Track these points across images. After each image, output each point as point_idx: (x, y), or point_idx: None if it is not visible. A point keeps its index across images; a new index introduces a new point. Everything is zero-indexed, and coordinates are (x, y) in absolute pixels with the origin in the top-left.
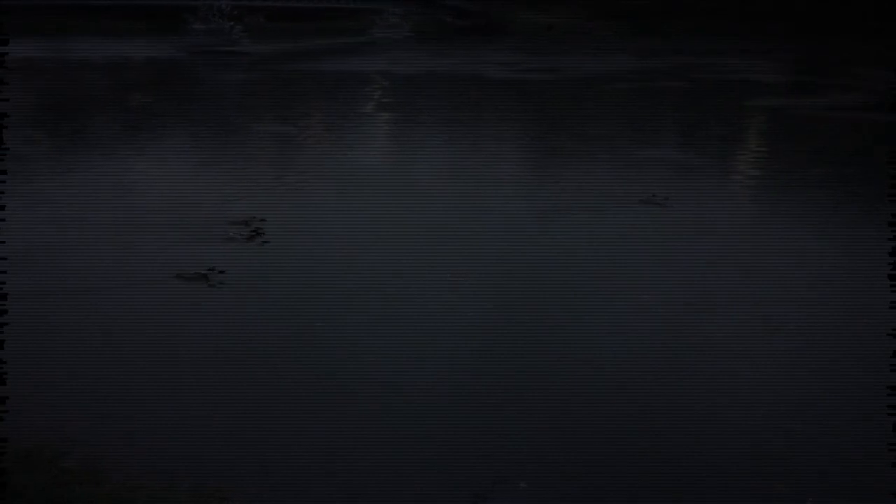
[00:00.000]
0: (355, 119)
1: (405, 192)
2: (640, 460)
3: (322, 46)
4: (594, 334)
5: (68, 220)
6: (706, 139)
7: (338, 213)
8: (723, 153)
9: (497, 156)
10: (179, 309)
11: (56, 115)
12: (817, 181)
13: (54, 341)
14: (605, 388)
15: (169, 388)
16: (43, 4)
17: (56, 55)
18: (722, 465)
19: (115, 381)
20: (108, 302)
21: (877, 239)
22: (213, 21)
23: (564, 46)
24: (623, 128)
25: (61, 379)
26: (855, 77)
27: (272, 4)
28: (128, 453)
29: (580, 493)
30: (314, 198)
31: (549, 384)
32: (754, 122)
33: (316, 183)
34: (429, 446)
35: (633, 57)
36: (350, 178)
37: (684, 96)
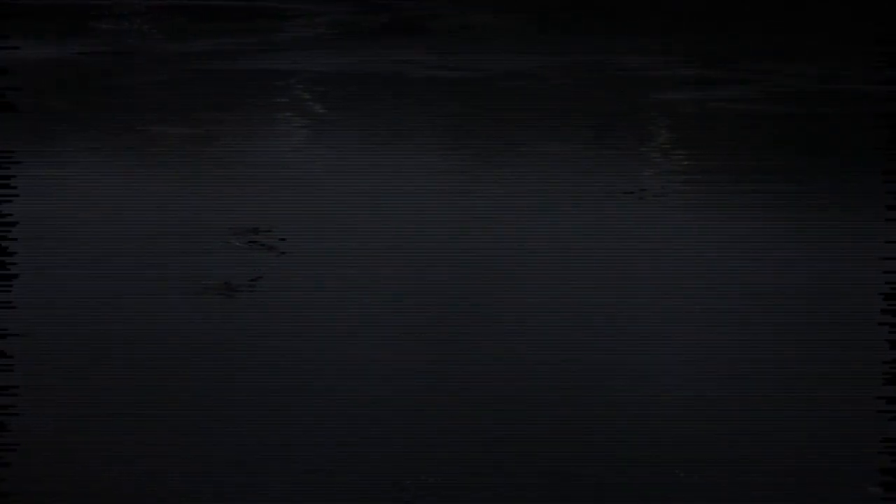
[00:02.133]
0: (280, 120)
1: (349, 195)
2: (569, 461)
3: (239, 45)
4: (539, 334)
5: (54, 237)
6: (618, 134)
7: (326, 222)
8: (641, 147)
9: (425, 155)
10: (200, 321)
11: None
12: (738, 173)
13: (65, 352)
14: (540, 388)
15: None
16: None
17: None
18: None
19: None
20: (123, 315)
21: (826, 230)
22: (125, 21)
23: (481, 44)
24: (540, 125)
25: (68, 392)
26: (753, 70)
27: (186, 3)
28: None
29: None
30: (294, 205)
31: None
32: (663, 116)
33: (282, 189)
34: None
35: (546, 54)
36: (306, 182)
37: (593, 92)
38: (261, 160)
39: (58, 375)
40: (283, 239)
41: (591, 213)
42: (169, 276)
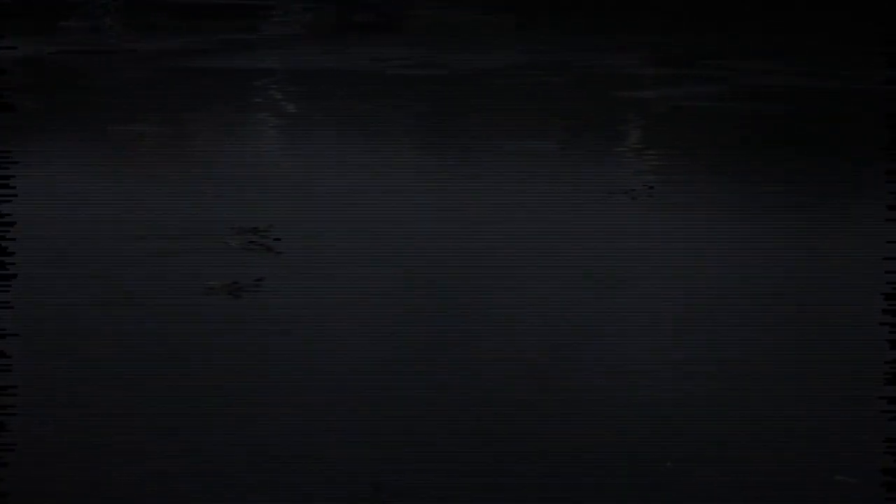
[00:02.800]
0: (258, 118)
1: (326, 195)
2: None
3: (216, 43)
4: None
5: (49, 236)
6: (605, 132)
7: (328, 220)
8: (624, 145)
9: (405, 154)
10: (208, 323)
11: None
12: (735, 172)
13: (64, 352)
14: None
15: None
16: None
17: None
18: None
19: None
20: (121, 314)
21: (800, 224)
22: (94, 18)
23: (461, 42)
24: (522, 122)
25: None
26: (753, 70)
27: (163, 0)
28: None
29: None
30: (276, 204)
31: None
32: (651, 114)
33: (263, 188)
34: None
35: (519, 52)
36: (286, 181)
37: (564, 90)
38: (241, 159)
39: (56, 376)
40: (278, 239)
41: (580, 211)
42: (168, 276)
